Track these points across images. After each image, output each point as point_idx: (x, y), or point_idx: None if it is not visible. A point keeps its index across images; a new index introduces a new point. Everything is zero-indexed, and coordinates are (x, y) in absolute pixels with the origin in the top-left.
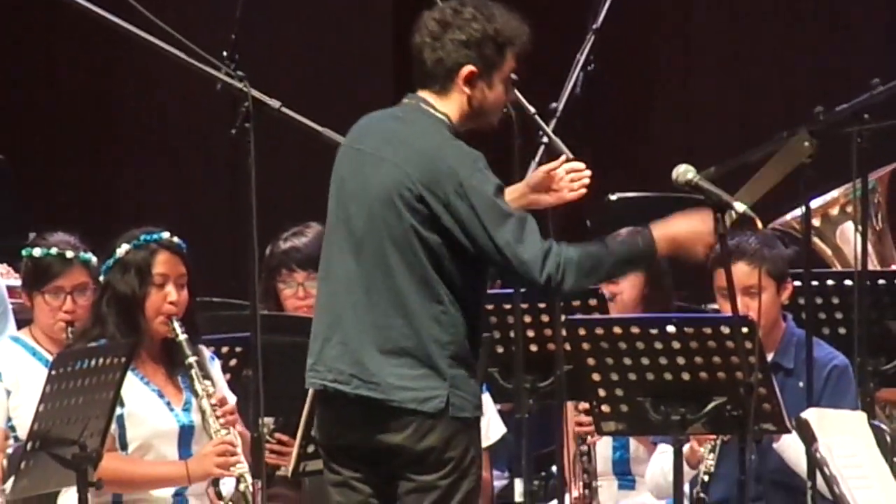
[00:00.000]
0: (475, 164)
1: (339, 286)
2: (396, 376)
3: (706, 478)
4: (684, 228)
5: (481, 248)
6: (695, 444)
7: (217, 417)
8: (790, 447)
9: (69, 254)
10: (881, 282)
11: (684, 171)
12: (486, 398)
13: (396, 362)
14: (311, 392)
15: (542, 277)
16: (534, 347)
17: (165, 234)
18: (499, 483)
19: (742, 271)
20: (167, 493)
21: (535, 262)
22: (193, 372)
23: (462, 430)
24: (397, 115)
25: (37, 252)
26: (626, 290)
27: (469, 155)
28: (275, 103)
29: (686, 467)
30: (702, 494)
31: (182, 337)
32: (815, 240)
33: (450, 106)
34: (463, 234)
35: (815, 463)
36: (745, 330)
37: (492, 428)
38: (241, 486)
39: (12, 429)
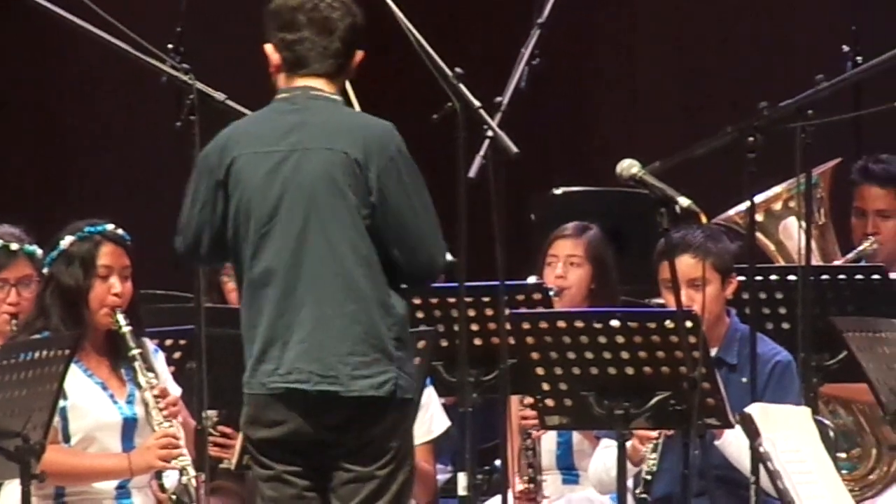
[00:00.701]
0: (398, 139)
1: (286, 287)
2: (352, 366)
3: (648, 477)
4: None
5: (401, 219)
6: (636, 442)
7: (160, 410)
8: (731, 444)
9: (13, 246)
10: (824, 277)
11: (628, 166)
12: (430, 391)
13: (352, 350)
14: None
15: (442, 261)
16: (478, 341)
17: (109, 226)
18: (442, 477)
19: (687, 264)
20: (110, 486)
21: (443, 246)
22: (137, 364)
23: (402, 420)
24: (294, 108)
25: None
26: (573, 285)
27: (392, 129)
28: (220, 96)
29: (630, 464)
30: (643, 494)
31: (126, 329)
32: (759, 235)
33: (337, 89)
34: (385, 206)
35: (758, 458)
36: (689, 324)
37: (435, 421)
38: (184, 479)
39: None
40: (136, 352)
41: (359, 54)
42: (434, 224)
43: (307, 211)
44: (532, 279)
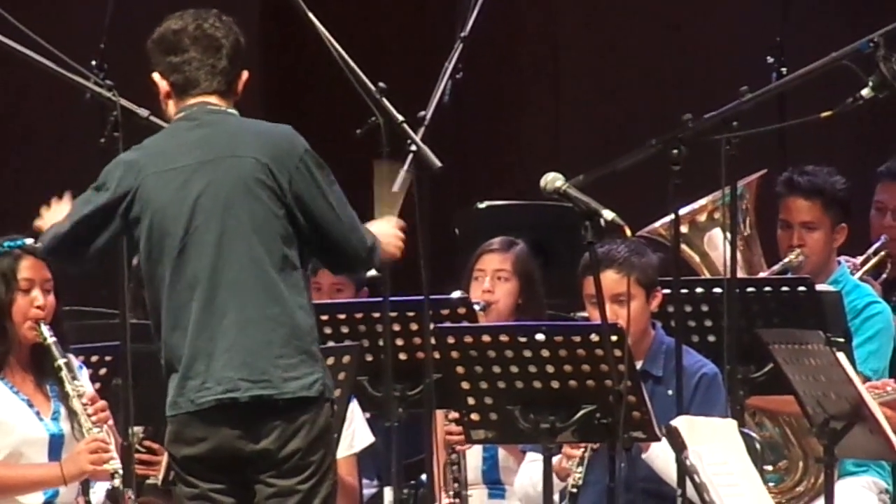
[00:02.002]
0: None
1: (207, 298)
2: (282, 368)
3: (574, 490)
4: (374, 231)
5: (320, 217)
6: (564, 459)
7: (89, 416)
8: (658, 457)
9: None
10: (750, 289)
11: (553, 179)
12: (354, 406)
13: (280, 353)
14: None
15: (375, 263)
16: (403, 356)
17: (29, 241)
18: (368, 492)
19: (611, 279)
20: (37, 500)
21: (367, 234)
22: (63, 374)
23: (325, 427)
24: (195, 123)
25: None
26: (500, 300)
27: (294, 131)
28: (143, 112)
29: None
30: None
31: (51, 340)
32: (683, 246)
33: (230, 106)
34: (302, 207)
35: (685, 470)
36: (614, 338)
37: (357, 436)
38: (116, 482)
39: None
40: (61, 361)
41: (244, 74)
42: (352, 214)
43: (223, 220)
44: (457, 294)
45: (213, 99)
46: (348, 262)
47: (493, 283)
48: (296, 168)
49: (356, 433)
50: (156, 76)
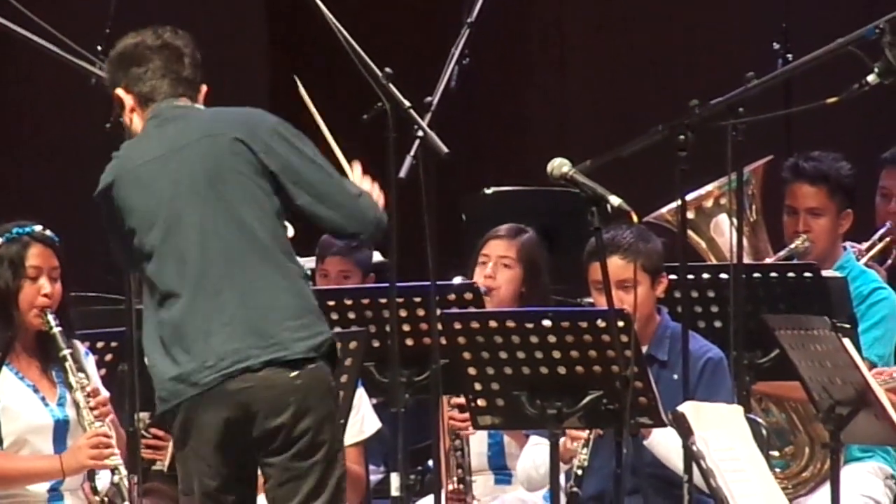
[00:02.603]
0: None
1: (198, 279)
2: (291, 329)
3: (580, 472)
4: None
5: (309, 178)
6: (568, 441)
7: (91, 410)
8: (660, 443)
9: None
10: (757, 275)
11: (559, 165)
12: (361, 392)
13: (285, 315)
14: None
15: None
16: (409, 341)
17: (38, 228)
18: (374, 477)
19: (617, 265)
20: (42, 489)
21: (365, 198)
22: (67, 364)
23: (330, 416)
24: (164, 119)
25: None
26: (503, 286)
27: (267, 113)
28: None
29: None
30: (575, 488)
31: (56, 329)
32: (690, 232)
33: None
34: (289, 173)
35: (691, 456)
36: (620, 323)
37: (366, 422)
38: (116, 478)
39: None
40: (66, 352)
41: (203, 88)
42: (339, 176)
43: (206, 197)
44: (457, 279)
45: (181, 101)
46: (349, 217)
47: (495, 269)
48: (270, 138)
49: (365, 419)
50: (119, 92)
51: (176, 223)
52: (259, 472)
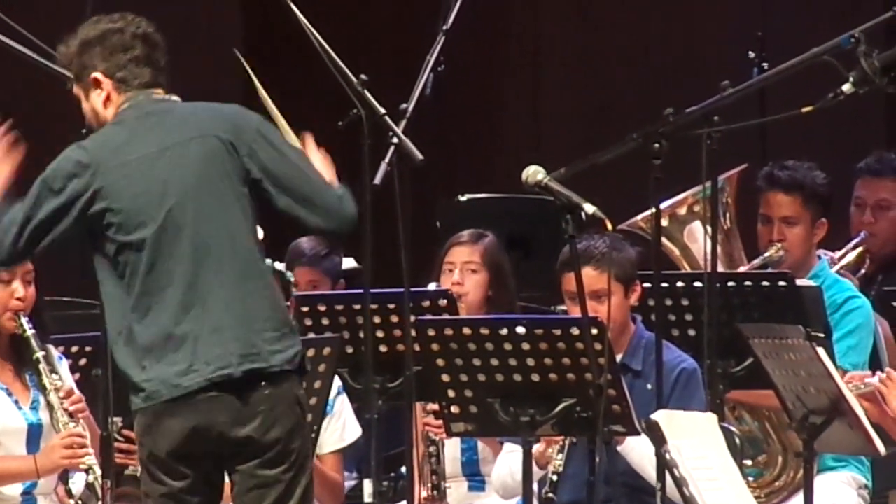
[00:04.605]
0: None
1: (189, 281)
2: (268, 341)
3: (554, 477)
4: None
5: (289, 180)
6: (543, 446)
7: (65, 410)
8: (634, 449)
9: None
10: (731, 284)
11: (534, 172)
12: (343, 399)
13: (264, 326)
14: None
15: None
16: (383, 348)
17: None
18: (348, 483)
19: (590, 276)
20: (15, 491)
21: (345, 193)
22: (41, 367)
23: (298, 426)
24: (145, 112)
25: None
26: (470, 291)
27: (247, 110)
28: None
29: (535, 467)
30: (550, 494)
31: (30, 332)
32: (664, 240)
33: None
34: (270, 176)
35: (664, 465)
36: (594, 331)
37: (347, 429)
38: (90, 478)
39: None
40: (40, 354)
41: None
42: (316, 176)
43: (196, 200)
44: (432, 286)
45: (156, 91)
46: (327, 215)
47: (462, 275)
48: (254, 140)
49: (346, 426)
50: (98, 75)
51: (168, 224)
52: (226, 477)
